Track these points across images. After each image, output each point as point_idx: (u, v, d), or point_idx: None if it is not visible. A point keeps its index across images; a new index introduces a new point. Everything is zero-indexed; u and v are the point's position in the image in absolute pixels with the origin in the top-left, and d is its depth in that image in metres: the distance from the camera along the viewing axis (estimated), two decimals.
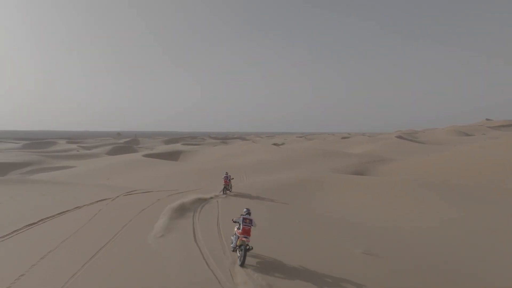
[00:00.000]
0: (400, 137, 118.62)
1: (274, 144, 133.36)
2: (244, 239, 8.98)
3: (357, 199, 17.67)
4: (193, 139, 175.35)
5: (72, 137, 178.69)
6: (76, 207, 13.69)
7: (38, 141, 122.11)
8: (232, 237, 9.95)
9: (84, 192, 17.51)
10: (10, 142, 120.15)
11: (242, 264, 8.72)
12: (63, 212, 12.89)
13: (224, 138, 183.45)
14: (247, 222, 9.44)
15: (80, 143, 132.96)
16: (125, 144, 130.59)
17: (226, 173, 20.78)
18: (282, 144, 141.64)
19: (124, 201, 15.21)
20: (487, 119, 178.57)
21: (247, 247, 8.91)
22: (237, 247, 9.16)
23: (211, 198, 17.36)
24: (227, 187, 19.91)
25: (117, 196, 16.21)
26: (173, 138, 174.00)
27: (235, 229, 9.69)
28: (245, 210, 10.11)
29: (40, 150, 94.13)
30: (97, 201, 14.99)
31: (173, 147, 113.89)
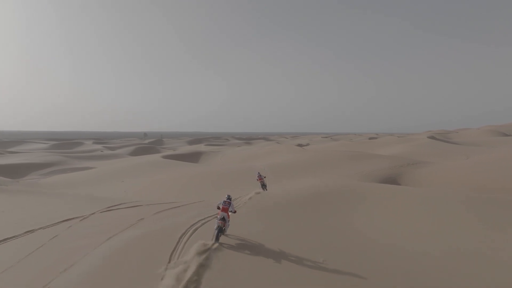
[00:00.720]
0: (432, 137, 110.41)
1: (299, 145, 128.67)
2: (220, 222, 9.76)
3: (413, 218, 13.02)
4: (217, 139, 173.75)
5: (100, 138, 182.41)
6: (28, 231, 10.49)
7: (65, 142, 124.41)
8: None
9: (56, 207, 14.42)
10: (39, 142, 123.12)
11: (216, 241, 9.40)
12: (3, 239, 9.75)
13: (247, 139, 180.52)
14: (226, 204, 10.39)
15: (106, 144, 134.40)
16: (149, 144, 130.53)
17: (259, 173, 22.79)
18: (307, 145, 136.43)
19: (96, 221, 11.90)
20: None
21: (223, 228, 9.89)
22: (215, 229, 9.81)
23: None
24: (263, 185, 21.62)
25: (92, 214, 12.98)
26: (196, 138, 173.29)
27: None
28: (226, 196, 11.02)
29: (66, 150, 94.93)
30: (62, 221, 11.78)
31: (195, 148, 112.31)
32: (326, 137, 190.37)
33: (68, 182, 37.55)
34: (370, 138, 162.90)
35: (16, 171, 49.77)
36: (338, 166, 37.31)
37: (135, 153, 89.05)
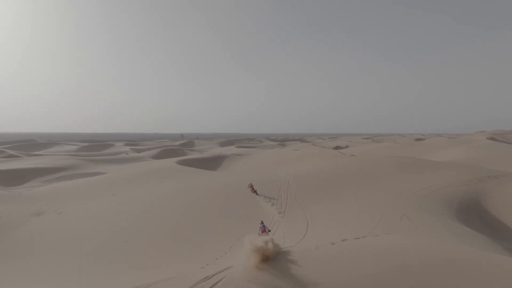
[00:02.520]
0: (492, 138, 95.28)
1: (336, 148, 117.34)
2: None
3: None
4: (250, 141, 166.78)
5: (134, 139, 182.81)
6: None
7: (96, 144, 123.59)
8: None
9: None
10: (70, 144, 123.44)
11: None
12: None
13: (282, 140, 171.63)
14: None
15: (136, 145, 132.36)
16: (178, 146, 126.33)
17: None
18: (346, 147, 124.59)
19: None
20: None
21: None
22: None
23: None
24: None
25: None
26: (229, 140, 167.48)
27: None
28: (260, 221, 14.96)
29: (91, 153, 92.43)
30: None
31: (225, 150, 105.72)
32: (367, 139, 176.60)
33: (54, 193, 31.64)
34: (417, 140, 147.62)
35: (19, 177, 45.43)
36: (388, 178, 27.78)
37: (158, 156, 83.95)
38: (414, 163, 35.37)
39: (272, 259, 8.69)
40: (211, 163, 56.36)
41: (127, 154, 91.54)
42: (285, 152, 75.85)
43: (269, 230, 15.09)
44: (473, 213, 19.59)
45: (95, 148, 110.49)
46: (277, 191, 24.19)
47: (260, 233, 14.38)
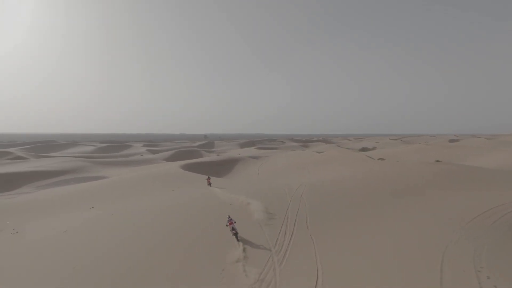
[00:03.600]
0: None
1: (363, 150, 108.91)
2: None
3: None
4: (271, 142, 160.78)
5: (154, 140, 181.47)
6: None
7: (114, 145, 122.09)
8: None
9: None
10: (89, 145, 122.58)
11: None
12: None
13: (305, 141, 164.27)
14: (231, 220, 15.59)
15: (154, 146, 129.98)
16: (196, 147, 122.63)
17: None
18: (373, 148, 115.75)
19: None
20: None
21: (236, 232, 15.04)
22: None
23: None
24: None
25: None
26: (250, 141, 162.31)
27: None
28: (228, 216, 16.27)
29: (105, 154, 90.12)
30: None
31: (242, 152, 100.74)
32: (396, 139, 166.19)
33: (32, 204, 27.29)
34: (451, 141, 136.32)
35: (13, 181, 42.07)
36: (433, 194, 21.13)
37: (173, 158, 79.98)
38: (461, 171, 28.34)
39: None
40: (222, 167, 51.10)
41: (141, 155, 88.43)
42: (305, 155, 69.54)
43: (235, 222, 15.80)
44: None
45: (112, 149, 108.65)
46: (283, 212, 18.35)
47: (228, 224, 15.74)
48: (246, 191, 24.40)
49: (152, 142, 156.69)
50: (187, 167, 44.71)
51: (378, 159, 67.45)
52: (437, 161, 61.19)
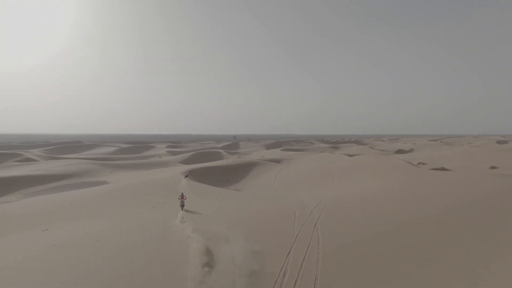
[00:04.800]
0: None
1: (399, 152, 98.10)
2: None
3: None
4: (299, 143, 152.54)
5: (179, 141, 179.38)
6: None
7: (138, 146, 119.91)
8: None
9: None
10: (112, 146, 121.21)
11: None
12: None
13: (336, 142, 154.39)
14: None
15: (177, 147, 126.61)
16: (220, 149, 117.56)
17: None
18: (410, 151, 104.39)
19: None
20: None
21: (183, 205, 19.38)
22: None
23: None
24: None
25: None
26: (277, 142, 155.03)
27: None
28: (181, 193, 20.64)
29: (123, 155, 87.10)
30: None
31: (267, 154, 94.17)
32: (435, 140, 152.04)
33: None
34: (499, 142, 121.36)
35: (6, 186, 38.21)
36: None
37: (190, 160, 74.80)
38: None
39: None
40: (236, 172, 44.80)
41: (159, 157, 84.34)
42: (333, 158, 61.69)
43: (185, 198, 20.16)
44: None
45: (134, 150, 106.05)
46: (279, 259, 11.52)
47: (180, 198, 20.03)
48: (235, 215, 17.77)
49: (176, 143, 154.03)
50: (198, 173, 38.99)
51: (418, 164, 58.08)
52: (493, 167, 51.38)
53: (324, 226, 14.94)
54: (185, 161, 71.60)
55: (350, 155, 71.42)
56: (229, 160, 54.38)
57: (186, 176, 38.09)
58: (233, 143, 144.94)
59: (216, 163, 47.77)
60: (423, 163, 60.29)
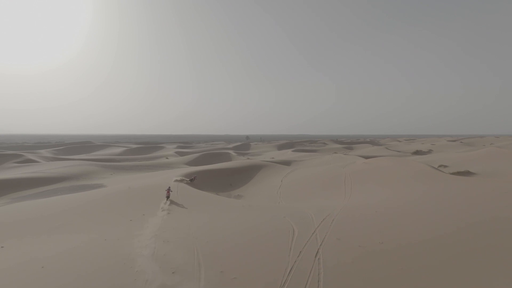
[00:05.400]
0: None
1: (416, 153, 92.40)
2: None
3: None
4: (312, 143, 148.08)
5: (190, 141, 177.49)
6: None
7: (146, 146, 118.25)
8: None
9: None
10: (121, 146, 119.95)
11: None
12: None
13: (350, 143, 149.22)
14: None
15: (187, 148, 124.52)
16: (230, 149, 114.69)
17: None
18: (429, 152, 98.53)
19: None
20: None
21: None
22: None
23: None
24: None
25: None
26: (289, 142, 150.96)
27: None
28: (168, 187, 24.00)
29: (129, 156, 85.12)
30: None
31: (277, 155, 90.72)
32: (454, 141, 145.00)
33: None
34: None
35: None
36: None
37: (197, 160, 71.98)
38: None
39: None
40: (240, 175, 41.48)
41: (166, 158, 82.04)
42: (347, 160, 57.72)
43: (172, 191, 24.38)
44: None
45: (142, 151, 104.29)
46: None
47: (167, 191, 23.71)
48: (218, 236, 14.38)
49: (187, 143, 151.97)
50: (199, 176, 35.93)
51: (439, 167, 53.30)
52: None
53: (328, 256, 11.42)
54: (191, 163, 68.76)
55: (365, 157, 67.18)
56: (234, 162, 51.11)
57: (191, 180, 35.35)
58: (244, 144, 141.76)
59: (220, 166, 44.51)
60: (444, 166, 55.47)
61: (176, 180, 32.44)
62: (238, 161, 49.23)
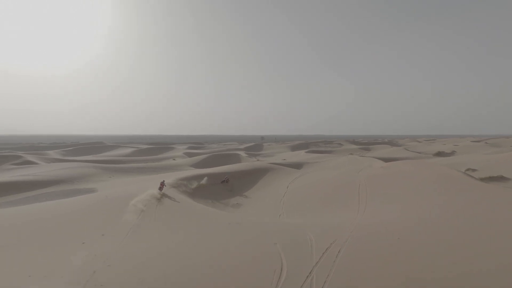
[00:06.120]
0: None
1: (439, 155, 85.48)
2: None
3: None
4: (327, 144, 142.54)
5: (201, 142, 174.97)
6: None
7: (157, 146, 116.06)
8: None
9: None
10: (131, 147, 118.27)
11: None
12: None
13: (367, 143, 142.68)
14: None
15: (198, 149, 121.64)
16: (241, 150, 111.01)
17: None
18: (452, 153, 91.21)
19: None
20: None
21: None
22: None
23: None
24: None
25: None
26: (303, 143, 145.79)
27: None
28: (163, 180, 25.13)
29: (135, 158, 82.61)
30: None
31: (289, 156, 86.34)
32: (478, 141, 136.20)
33: None
34: None
35: None
36: None
37: (204, 162, 68.42)
38: None
39: None
40: (243, 179, 37.51)
41: (173, 159, 79.06)
42: (362, 163, 52.85)
43: (165, 185, 24.86)
44: None
45: (151, 151, 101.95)
46: None
47: (160, 185, 24.36)
48: (183, 275, 10.44)
49: (198, 143, 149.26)
50: (196, 180, 32.19)
51: (467, 171, 47.56)
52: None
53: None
54: (197, 165, 65.20)
55: (383, 159, 61.97)
56: (238, 165, 47.01)
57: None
58: (257, 144, 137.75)
59: (220, 169, 40.55)
60: (473, 169, 49.70)
61: (170, 187, 28.51)
62: (242, 164, 45.26)
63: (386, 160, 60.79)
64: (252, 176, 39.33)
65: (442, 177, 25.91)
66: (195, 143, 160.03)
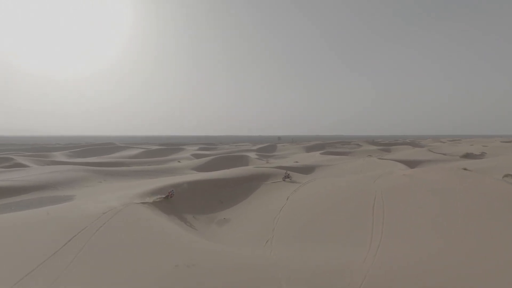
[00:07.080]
0: None
1: (466, 157, 76.83)
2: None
3: None
4: (344, 145, 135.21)
5: (214, 143, 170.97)
6: None
7: (166, 147, 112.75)
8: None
9: None
10: (140, 148, 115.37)
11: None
12: None
13: (387, 144, 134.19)
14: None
15: (208, 150, 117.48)
16: (252, 151, 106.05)
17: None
18: (482, 155, 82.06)
19: None
20: None
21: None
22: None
23: None
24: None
25: None
26: (319, 143, 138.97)
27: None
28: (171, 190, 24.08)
29: (140, 160, 78.94)
30: None
31: (302, 159, 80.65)
32: (509, 141, 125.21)
33: None
34: None
35: None
36: None
37: (208, 165, 63.76)
38: None
39: None
40: (238, 187, 32.43)
41: (179, 162, 74.90)
42: (381, 167, 46.65)
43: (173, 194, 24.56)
44: None
45: (158, 153, 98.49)
46: None
47: (169, 193, 24.12)
48: None
49: (210, 144, 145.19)
50: (186, 190, 27.26)
51: (505, 177, 40.50)
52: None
53: None
54: (199, 168, 60.44)
55: (404, 161, 55.36)
56: (235, 170, 41.53)
57: (167, 197, 26.17)
58: (270, 145, 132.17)
59: (211, 175, 35.48)
60: (510, 175, 42.50)
61: (142, 202, 23.48)
62: (239, 169, 39.91)
63: (408, 163, 54.13)
64: (249, 184, 34.10)
65: (481, 189, 19.82)
66: (207, 143, 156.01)
